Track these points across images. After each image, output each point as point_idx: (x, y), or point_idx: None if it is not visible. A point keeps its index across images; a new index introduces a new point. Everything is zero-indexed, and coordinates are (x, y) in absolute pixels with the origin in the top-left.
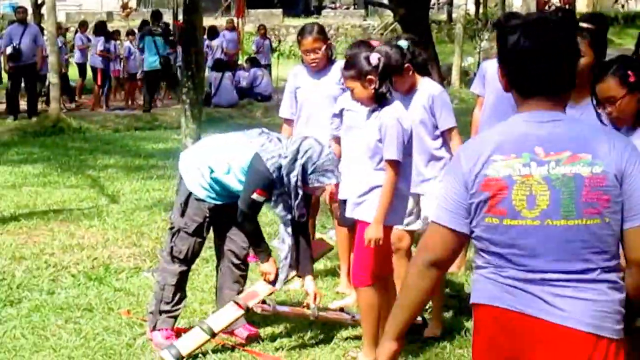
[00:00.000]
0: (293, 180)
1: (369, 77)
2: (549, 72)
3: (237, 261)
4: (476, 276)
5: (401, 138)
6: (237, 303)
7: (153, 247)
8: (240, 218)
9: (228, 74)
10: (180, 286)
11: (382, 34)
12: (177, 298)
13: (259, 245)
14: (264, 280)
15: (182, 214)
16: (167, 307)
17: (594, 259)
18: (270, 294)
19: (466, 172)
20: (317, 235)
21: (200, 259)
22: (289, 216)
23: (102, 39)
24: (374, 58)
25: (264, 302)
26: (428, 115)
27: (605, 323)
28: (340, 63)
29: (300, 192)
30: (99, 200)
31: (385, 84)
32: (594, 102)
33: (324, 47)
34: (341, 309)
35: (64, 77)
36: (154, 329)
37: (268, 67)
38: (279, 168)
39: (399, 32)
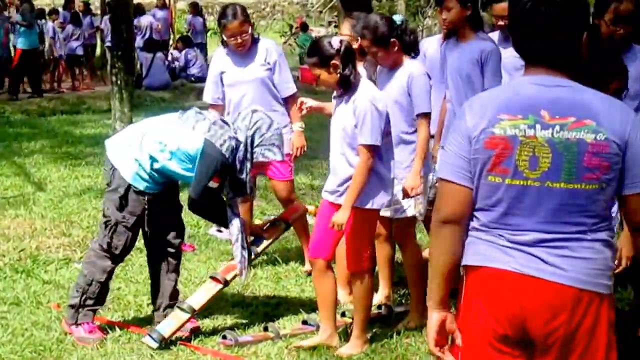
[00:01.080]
0: (241, 153)
1: (334, 62)
2: (553, 41)
3: (172, 250)
4: (471, 239)
5: (377, 121)
6: (215, 278)
7: (84, 237)
8: (193, 207)
9: (159, 55)
10: (107, 283)
11: (321, 12)
12: (102, 295)
13: (220, 218)
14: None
15: (121, 208)
16: (90, 302)
17: (588, 222)
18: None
19: (470, 127)
20: (256, 222)
21: (134, 249)
22: (238, 197)
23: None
24: (336, 42)
25: (224, 337)
26: (404, 96)
27: (601, 280)
28: (264, 42)
29: (249, 165)
30: (24, 188)
31: (348, 67)
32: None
33: (249, 29)
34: (304, 322)
35: None
36: (74, 323)
37: (203, 46)
38: (233, 150)
39: (339, 10)
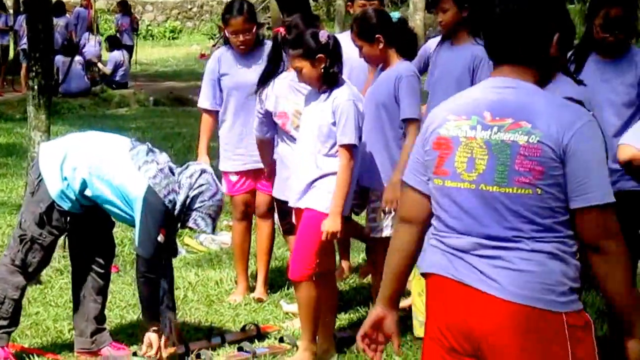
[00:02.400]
0: (176, 212)
1: (319, 55)
2: (512, 40)
3: (101, 270)
4: (426, 245)
5: (357, 122)
6: None
7: None
8: (146, 270)
9: (78, 58)
10: (20, 301)
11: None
12: (16, 314)
13: (154, 310)
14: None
15: (40, 225)
16: (4, 323)
17: (525, 229)
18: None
19: (424, 131)
20: (187, 239)
21: (54, 270)
22: (167, 257)
23: None
24: (323, 36)
25: (198, 356)
26: (390, 99)
27: (544, 295)
28: (270, 44)
29: (179, 225)
30: None
31: (337, 64)
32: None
33: (254, 28)
34: (281, 339)
35: None
36: None
37: (130, 48)
38: (172, 205)
39: (274, 9)
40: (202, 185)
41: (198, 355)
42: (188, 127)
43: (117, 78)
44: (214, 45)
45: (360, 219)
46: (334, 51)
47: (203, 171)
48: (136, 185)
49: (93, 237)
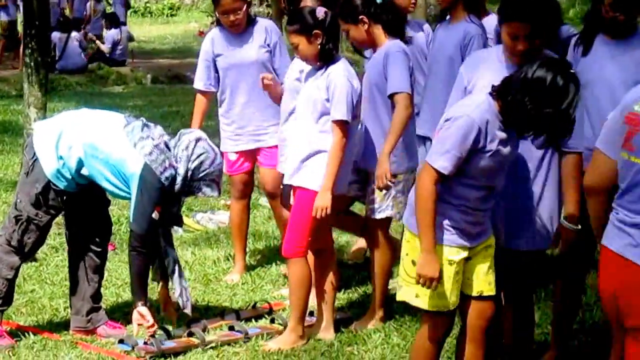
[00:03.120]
0: (178, 186)
1: (316, 31)
2: None
3: (97, 249)
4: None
5: (351, 97)
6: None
7: None
8: (138, 245)
9: (75, 34)
10: (14, 280)
11: None
12: (9, 294)
13: (144, 284)
14: (138, 325)
15: (36, 205)
16: None
17: None
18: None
19: (623, 102)
20: (184, 219)
21: (49, 248)
22: (170, 227)
23: None
24: (320, 12)
25: (145, 343)
26: (382, 79)
27: None
28: (263, 22)
29: (184, 198)
30: None
31: (333, 40)
32: None
33: (244, 7)
34: (231, 327)
35: None
36: None
37: (122, 25)
38: (171, 180)
39: None
40: (201, 154)
41: (190, 334)
42: (186, 106)
43: (115, 56)
44: (212, 23)
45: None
46: (330, 28)
47: (198, 139)
48: (132, 163)
49: (89, 216)
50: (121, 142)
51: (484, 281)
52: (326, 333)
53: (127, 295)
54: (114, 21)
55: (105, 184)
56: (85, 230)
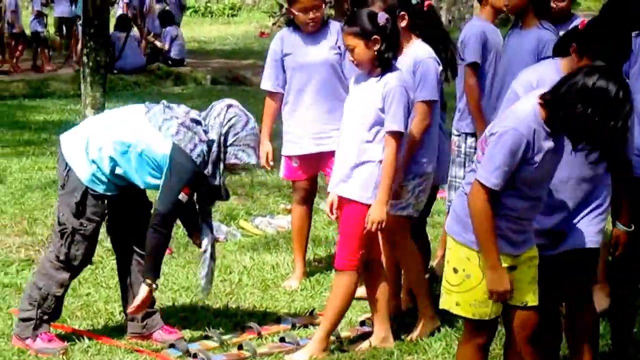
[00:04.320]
0: (214, 155)
1: (375, 37)
2: None
3: (143, 252)
4: None
5: (407, 109)
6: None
7: (48, 236)
8: (158, 224)
9: (134, 34)
10: (63, 295)
11: None
12: (58, 308)
13: (156, 263)
14: (134, 307)
15: (78, 215)
16: (46, 317)
17: None
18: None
19: None
20: (242, 223)
21: (105, 250)
22: (212, 203)
23: None
24: (382, 18)
25: (194, 355)
26: (414, 82)
27: None
28: (335, 24)
29: (222, 166)
30: None
31: (392, 48)
32: None
33: (323, 5)
34: (282, 339)
35: None
36: (30, 337)
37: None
38: (204, 155)
39: None
40: (232, 118)
41: (240, 346)
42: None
43: (173, 54)
44: (274, 24)
45: None
46: (391, 35)
47: (229, 106)
48: (160, 146)
49: (130, 220)
50: (145, 129)
51: (528, 291)
52: (385, 342)
53: (183, 300)
54: (169, 19)
55: (141, 178)
56: (128, 236)
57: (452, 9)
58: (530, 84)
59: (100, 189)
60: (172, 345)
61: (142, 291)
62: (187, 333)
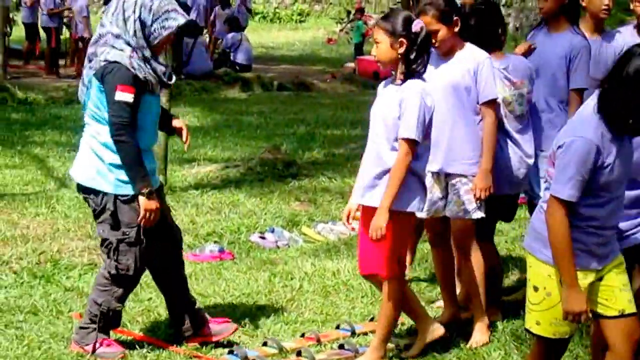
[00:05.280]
0: (133, 42)
1: (401, 39)
2: None
3: (172, 256)
4: None
5: (422, 116)
6: None
7: None
8: (118, 135)
9: (202, 39)
10: (123, 306)
11: None
12: (118, 318)
13: (137, 172)
14: (145, 218)
15: (116, 226)
16: (107, 328)
17: None
18: None
19: None
20: (304, 229)
21: None
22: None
23: None
24: (417, 25)
25: (341, 346)
26: (471, 81)
27: None
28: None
29: (148, 52)
30: (47, 184)
31: (420, 58)
32: None
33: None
34: (341, 346)
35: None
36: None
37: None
38: (131, 50)
39: None
40: (136, 2)
41: (299, 353)
42: (312, 113)
43: (240, 60)
44: (341, 30)
45: None
46: (421, 44)
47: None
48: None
49: (155, 229)
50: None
51: (622, 299)
52: (482, 335)
53: (244, 306)
54: (235, 25)
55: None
56: (155, 240)
57: (520, 16)
58: None
59: (127, 189)
60: (231, 352)
61: (142, 202)
62: (246, 339)
